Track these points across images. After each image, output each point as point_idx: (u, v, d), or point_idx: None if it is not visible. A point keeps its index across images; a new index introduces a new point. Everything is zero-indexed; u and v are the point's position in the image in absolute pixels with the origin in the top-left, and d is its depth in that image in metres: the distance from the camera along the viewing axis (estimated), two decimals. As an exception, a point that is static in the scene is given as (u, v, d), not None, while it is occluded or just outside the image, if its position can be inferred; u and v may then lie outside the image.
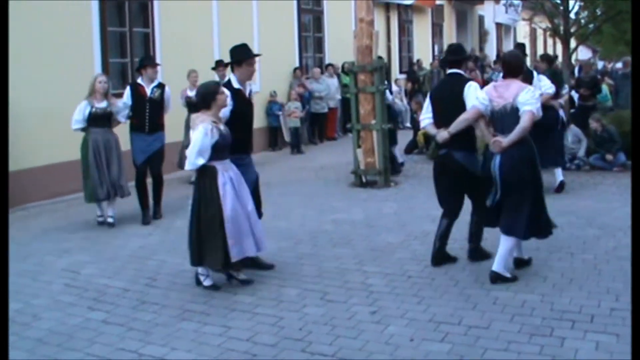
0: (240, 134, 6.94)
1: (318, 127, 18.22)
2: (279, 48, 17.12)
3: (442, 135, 6.86)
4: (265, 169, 13.36)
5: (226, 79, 7.64)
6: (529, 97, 6.35)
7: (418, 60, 24.35)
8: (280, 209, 10.09)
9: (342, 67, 18.86)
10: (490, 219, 6.78)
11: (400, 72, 24.07)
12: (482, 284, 6.46)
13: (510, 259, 6.70)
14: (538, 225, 6.53)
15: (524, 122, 6.31)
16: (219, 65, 12.58)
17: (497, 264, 6.47)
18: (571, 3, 20.31)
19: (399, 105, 19.30)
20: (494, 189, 6.53)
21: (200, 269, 6.73)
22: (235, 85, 7.12)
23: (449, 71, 7.35)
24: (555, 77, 10.57)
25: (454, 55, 7.31)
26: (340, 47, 19.09)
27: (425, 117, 7.23)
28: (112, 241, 8.54)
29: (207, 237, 6.47)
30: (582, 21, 21.93)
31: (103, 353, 5.28)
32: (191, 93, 11.62)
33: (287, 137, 16.97)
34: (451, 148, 6.91)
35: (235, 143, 6.68)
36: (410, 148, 15.60)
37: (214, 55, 14.74)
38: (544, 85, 9.85)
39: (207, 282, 6.71)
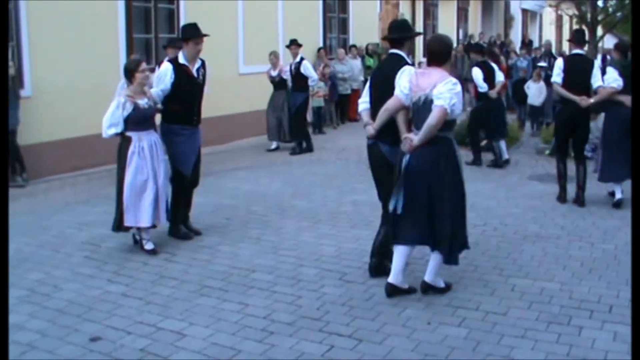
0: (180, 106, 7.49)
1: (340, 108, 18.17)
2: (303, 28, 17.04)
3: (369, 130, 6.15)
4: (282, 149, 13.41)
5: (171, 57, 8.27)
6: (444, 90, 5.47)
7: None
8: (300, 188, 10.11)
9: (366, 48, 18.81)
10: (396, 231, 5.84)
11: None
12: (500, 271, 6.45)
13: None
14: (437, 239, 5.69)
15: (431, 118, 5.46)
16: (293, 44, 13.68)
17: (428, 274, 5.87)
18: (599, -10, 20.12)
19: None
20: (397, 193, 5.73)
21: (140, 234, 7.20)
22: (181, 60, 7.51)
23: (390, 51, 6.43)
24: (626, 71, 8.87)
25: (396, 33, 6.34)
26: (364, 29, 19.01)
27: (363, 102, 6.48)
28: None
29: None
30: (610, 9, 21.71)
31: (121, 325, 5.32)
32: (274, 73, 13.65)
33: (309, 116, 16.93)
34: (378, 139, 6.16)
35: (175, 115, 7.46)
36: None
37: (238, 33, 14.75)
38: (608, 78, 8.94)
39: (148, 246, 7.13)
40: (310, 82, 13.75)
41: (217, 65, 7.49)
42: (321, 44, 18.16)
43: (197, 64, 7.64)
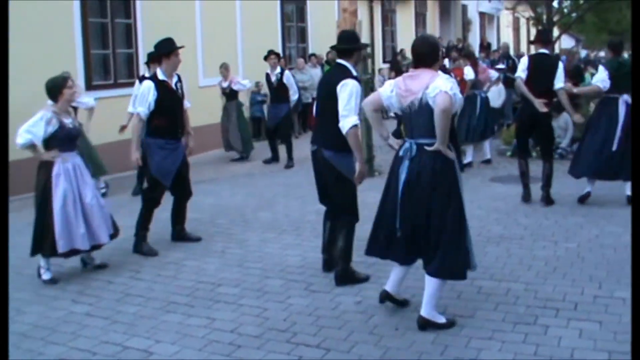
0: (164, 121, 7.61)
1: (302, 116, 18.18)
2: (262, 38, 17.05)
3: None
4: (247, 159, 13.37)
5: (152, 72, 8.30)
6: (441, 82, 5.07)
7: (402, 50, 24.31)
8: (263, 200, 10.09)
9: (326, 56, 18.84)
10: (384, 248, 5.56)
11: (384, 61, 24.05)
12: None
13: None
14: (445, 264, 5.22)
15: (439, 106, 4.97)
16: (271, 54, 13.54)
17: (425, 307, 5.33)
18: (554, -8, 20.36)
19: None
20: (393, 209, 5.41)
21: (41, 261, 6.82)
22: (161, 77, 7.61)
23: (337, 61, 6.49)
24: (620, 69, 8.93)
25: (344, 44, 6.42)
26: (323, 37, 19.02)
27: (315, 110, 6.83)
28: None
29: (41, 226, 6.70)
30: (565, 10, 21.99)
31: (87, 346, 5.26)
32: (225, 84, 13.71)
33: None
34: (321, 145, 6.37)
35: (161, 129, 7.58)
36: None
37: (197, 45, 14.70)
38: (596, 76, 9.18)
39: (45, 276, 6.80)
40: (291, 94, 13.55)
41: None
42: (280, 54, 18.16)
43: (175, 78, 7.76)
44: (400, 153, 5.34)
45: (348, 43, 6.41)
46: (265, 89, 16.66)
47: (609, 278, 6.26)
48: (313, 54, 19.17)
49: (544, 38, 9.78)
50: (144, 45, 13.22)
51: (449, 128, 5.10)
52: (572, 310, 5.56)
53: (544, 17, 19.59)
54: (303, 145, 15.63)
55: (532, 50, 10.49)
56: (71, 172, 6.74)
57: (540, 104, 8.89)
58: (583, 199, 9.13)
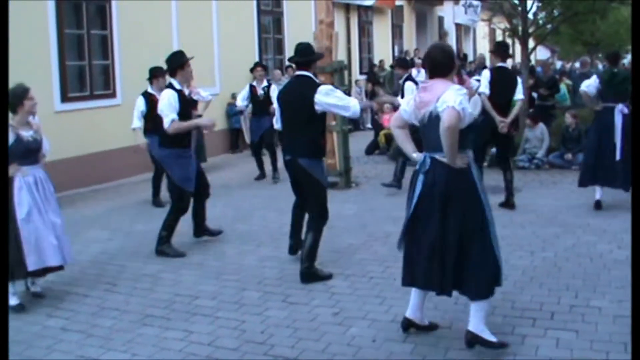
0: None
1: (279, 129, 18.16)
2: (239, 50, 17.05)
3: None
4: (225, 171, 13.33)
5: (167, 82, 8.29)
6: (449, 96, 4.78)
7: (381, 61, 24.41)
8: (240, 211, 10.06)
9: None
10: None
11: (361, 73, 24.12)
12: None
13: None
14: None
15: (443, 124, 4.71)
16: (258, 66, 13.21)
17: (472, 321, 5.04)
18: (529, 4, 20.48)
19: (360, 106, 19.31)
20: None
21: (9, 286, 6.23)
22: (177, 87, 7.81)
23: (297, 73, 6.99)
24: (614, 79, 9.10)
25: (303, 57, 6.90)
26: (300, 49, 19.06)
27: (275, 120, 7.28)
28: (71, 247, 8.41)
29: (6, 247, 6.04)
30: (540, 22, 22.12)
31: (62, 360, 5.21)
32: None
33: (248, 138, 16.89)
34: (296, 155, 6.81)
35: (178, 138, 7.72)
36: (372, 149, 15.67)
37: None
38: (585, 83, 9.32)
39: (12, 301, 6.27)
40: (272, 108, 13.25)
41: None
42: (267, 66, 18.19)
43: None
44: (417, 167, 5.08)
45: (306, 56, 6.91)
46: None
47: (585, 287, 6.29)
48: (290, 66, 19.16)
49: (502, 53, 9.93)
50: (120, 57, 13.17)
51: (458, 143, 4.76)
52: (549, 319, 5.58)
53: (520, 28, 19.71)
54: (280, 157, 15.64)
55: (509, 62, 10.64)
56: (32, 186, 6.36)
57: (501, 125, 9.32)
58: (598, 205, 9.31)
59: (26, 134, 6.41)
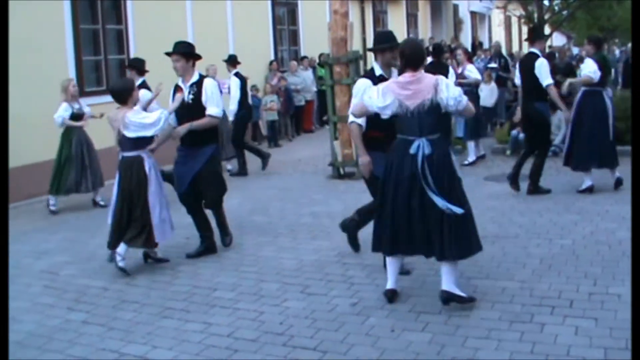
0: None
1: (295, 120, 18.19)
2: (254, 42, 17.07)
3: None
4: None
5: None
6: (452, 88, 5.60)
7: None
8: (258, 203, 10.09)
9: (319, 58, 18.84)
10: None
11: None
12: (461, 273, 6.44)
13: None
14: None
15: (468, 108, 5.71)
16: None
17: (447, 283, 5.66)
18: (544, -10, 20.41)
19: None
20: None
21: (120, 250, 6.99)
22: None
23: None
24: (604, 63, 9.61)
25: (376, 45, 6.70)
26: (315, 40, 19.07)
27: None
28: (90, 241, 8.48)
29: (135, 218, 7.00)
30: (556, 8, 22.00)
31: (84, 354, 5.25)
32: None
33: (264, 130, 16.94)
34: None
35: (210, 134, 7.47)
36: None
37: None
38: (585, 67, 9.48)
39: (122, 264, 6.98)
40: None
41: (169, 86, 7.45)
42: (272, 57, 18.19)
43: (187, 84, 7.42)
44: (412, 151, 5.52)
45: (379, 43, 6.65)
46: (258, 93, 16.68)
47: (604, 274, 6.27)
48: (305, 57, 19.19)
49: (531, 36, 10.20)
50: (136, 52, 13.22)
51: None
52: (568, 307, 5.57)
53: (535, 15, 19.61)
54: (296, 149, 15.73)
55: (526, 49, 10.85)
56: (156, 169, 7.16)
57: (566, 116, 9.78)
58: (589, 191, 9.49)
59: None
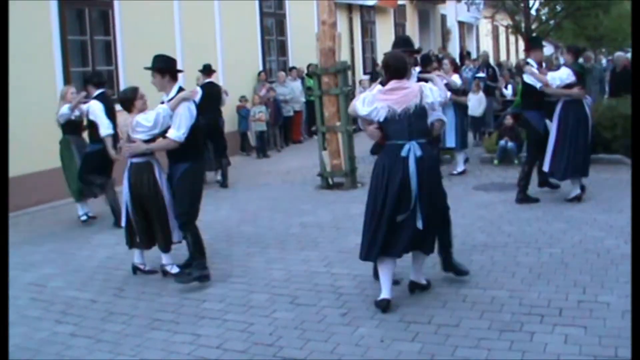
0: None
1: (284, 130, 18.19)
2: (242, 52, 17.07)
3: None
4: (232, 173, 13.30)
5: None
6: (435, 92, 6.00)
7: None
8: (247, 214, 10.06)
9: (307, 69, 18.86)
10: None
11: (364, 73, 24.13)
12: (450, 282, 6.48)
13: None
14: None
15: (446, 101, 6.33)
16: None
17: (416, 274, 6.32)
18: (531, 0, 20.50)
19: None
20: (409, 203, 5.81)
21: (166, 259, 7.20)
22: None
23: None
24: (582, 72, 9.75)
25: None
26: (303, 50, 19.09)
27: None
28: (78, 252, 8.44)
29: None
30: (543, 17, 22.15)
31: (71, 366, 5.22)
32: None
33: (252, 141, 16.92)
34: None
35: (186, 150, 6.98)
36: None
37: (177, 60, 14.65)
38: (558, 75, 9.30)
39: (175, 269, 7.16)
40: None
41: (159, 95, 7.39)
42: (261, 68, 18.19)
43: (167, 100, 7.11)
44: (403, 154, 5.75)
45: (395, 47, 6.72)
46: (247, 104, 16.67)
47: (593, 283, 6.28)
48: (293, 67, 19.20)
49: (527, 46, 10.49)
50: (124, 62, 13.20)
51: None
52: (557, 316, 5.58)
53: (522, 25, 19.72)
54: (285, 159, 15.72)
55: (514, 58, 11.05)
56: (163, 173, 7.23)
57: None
58: (578, 199, 9.52)
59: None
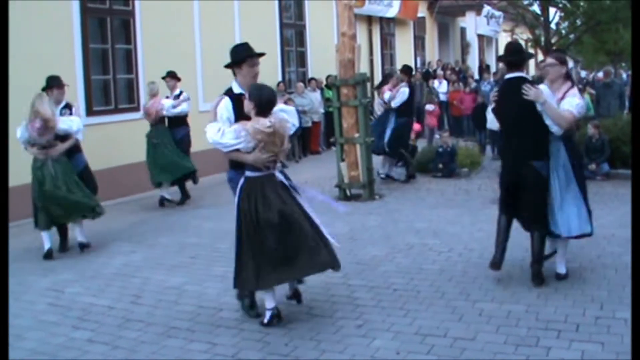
0: None
1: (302, 141, 18.22)
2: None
3: None
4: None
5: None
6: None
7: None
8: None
9: (326, 80, 18.90)
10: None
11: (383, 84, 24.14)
12: (467, 296, 6.46)
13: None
14: None
15: None
16: (168, 76, 12.04)
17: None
18: (551, 14, 20.45)
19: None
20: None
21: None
22: (237, 90, 6.58)
23: (510, 75, 6.99)
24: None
25: (514, 56, 6.92)
26: (322, 61, 19.12)
27: None
28: (95, 259, 8.49)
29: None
30: (563, 32, 22.08)
31: (87, 372, 5.25)
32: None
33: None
34: (527, 158, 6.87)
35: None
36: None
37: (197, 71, 14.77)
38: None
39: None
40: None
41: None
42: (280, 78, 18.25)
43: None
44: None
45: (518, 54, 6.95)
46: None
47: (610, 298, 6.24)
48: (312, 78, 19.24)
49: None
50: (144, 71, 13.29)
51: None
52: (574, 331, 5.55)
53: (542, 39, 19.67)
54: (303, 170, 15.73)
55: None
56: None
57: None
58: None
59: None
